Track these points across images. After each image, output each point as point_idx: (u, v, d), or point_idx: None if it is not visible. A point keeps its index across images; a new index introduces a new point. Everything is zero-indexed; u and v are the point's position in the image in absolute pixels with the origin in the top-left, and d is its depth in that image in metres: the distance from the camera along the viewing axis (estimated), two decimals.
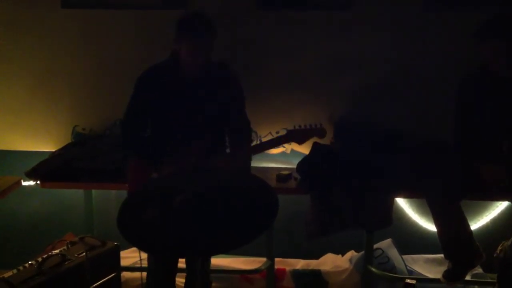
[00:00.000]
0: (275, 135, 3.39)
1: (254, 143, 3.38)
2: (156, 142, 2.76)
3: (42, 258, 2.42)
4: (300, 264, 3.42)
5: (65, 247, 2.58)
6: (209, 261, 2.83)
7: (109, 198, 3.34)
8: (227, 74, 2.79)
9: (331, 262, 3.41)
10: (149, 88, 2.72)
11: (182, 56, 2.65)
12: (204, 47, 2.63)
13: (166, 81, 2.70)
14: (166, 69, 2.72)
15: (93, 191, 3.33)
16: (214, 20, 2.66)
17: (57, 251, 2.52)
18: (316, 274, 3.28)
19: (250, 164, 2.91)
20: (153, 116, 2.77)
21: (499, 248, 2.85)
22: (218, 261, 3.28)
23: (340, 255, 3.47)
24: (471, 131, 2.84)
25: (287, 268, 3.32)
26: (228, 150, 2.87)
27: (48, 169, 3.12)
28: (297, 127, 2.81)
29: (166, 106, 2.72)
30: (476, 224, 3.30)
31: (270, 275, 3.16)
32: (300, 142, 2.82)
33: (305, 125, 2.82)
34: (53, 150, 3.35)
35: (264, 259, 3.18)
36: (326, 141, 3.21)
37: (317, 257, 3.48)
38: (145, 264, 3.12)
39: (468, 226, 2.80)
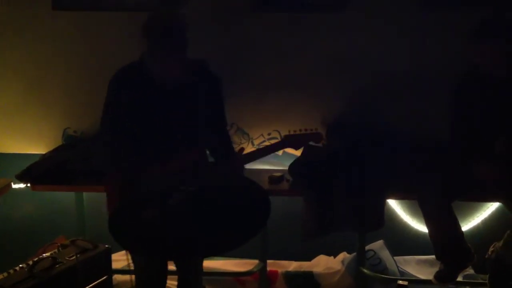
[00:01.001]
0: (267, 137, 3.40)
1: (245, 145, 3.39)
2: (137, 152, 2.50)
3: (33, 261, 2.40)
4: (292, 266, 3.42)
5: (56, 250, 2.57)
6: (201, 264, 2.80)
7: (101, 200, 3.31)
8: (206, 72, 2.57)
9: (323, 264, 3.41)
10: (125, 90, 2.48)
11: (155, 67, 2.39)
12: (177, 60, 2.36)
13: (142, 84, 2.45)
14: (139, 71, 2.46)
15: (84, 193, 3.31)
16: (184, 18, 2.42)
17: (48, 254, 2.51)
18: (308, 276, 3.28)
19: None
20: (131, 122, 2.49)
21: (491, 249, 2.86)
22: (210, 263, 3.28)
23: (332, 257, 3.47)
24: (467, 131, 2.85)
25: (280, 270, 3.32)
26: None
27: (39, 171, 3.10)
28: (291, 132, 2.75)
29: (145, 112, 2.48)
30: (467, 225, 3.31)
31: (262, 277, 3.17)
32: (296, 147, 2.79)
33: (301, 129, 2.76)
34: (44, 152, 3.33)
35: (257, 261, 3.18)
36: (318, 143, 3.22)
37: (309, 259, 3.48)
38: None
39: (460, 227, 2.81)
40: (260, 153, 2.75)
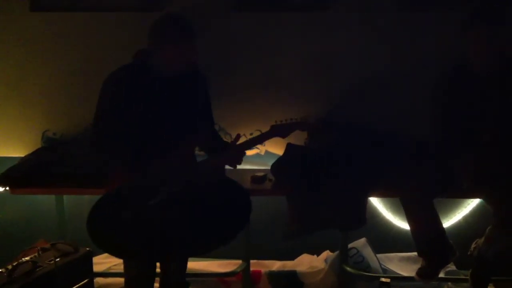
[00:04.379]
0: (249, 137, 3.39)
1: None
2: (136, 148, 2.55)
3: (12, 266, 2.37)
4: (276, 265, 3.42)
5: (36, 254, 2.54)
6: (185, 263, 2.79)
7: (82, 203, 3.29)
8: (199, 73, 2.72)
9: (306, 263, 3.42)
10: (123, 90, 2.55)
11: (165, 61, 2.53)
12: (194, 53, 2.56)
13: (140, 83, 2.56)
14: (137, 71, 2.58)
15: (65, 196, 3.28)
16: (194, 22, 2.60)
17: (28, 258, 2.48)
18: (292, 275, 3.28)
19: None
20: (130, 120, 2.55)
21: (473, 245, 2.89)
22: (193, 264, 3.26)
23: (315, 256, 3.48)
24: (447, 128, 2.87)
25: (263, 270, 3.32)
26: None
27: (18, 174, 3.05)
28: (278, 122, 2.79)
29: (144, 110, 2.56)
30: (449, 221, 3.34)
31: (246, 277, 3.16)
32: (284, 136, 2.81)
33: (287, 119, 2.80)
34: (23, 155, 3.29)
35: (240, 262, 3.17)
36: (300, 141, 3.23)
37: (292, 258, 3.49)
38: (119, 269, 3.08)
39: (441, 224, 2.83)
40: (250, 143, 2.77)
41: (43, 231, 3.36)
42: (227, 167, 2.80)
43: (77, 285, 2.55)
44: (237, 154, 2.66)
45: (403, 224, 3.32)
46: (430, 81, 2.93)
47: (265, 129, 3.32)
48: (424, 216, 2.80)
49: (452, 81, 2.86)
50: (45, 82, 3.36)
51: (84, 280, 2.58)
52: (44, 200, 3.40)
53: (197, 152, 2.98)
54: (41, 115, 3.40)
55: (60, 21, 3.29)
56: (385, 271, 3.28)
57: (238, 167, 3.10)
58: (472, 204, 3.34)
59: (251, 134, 3.38)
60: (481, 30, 2.71)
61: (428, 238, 2.81)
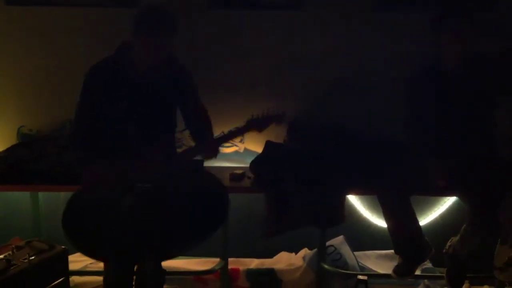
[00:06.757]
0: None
1: None
2: (116, 142, 2.56)
3: None
4: (254, 263, 3.42)
5: (10, 252, 2.51)
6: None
7: (57, 200, 3.25)
8: (178, 65, 2.71)
9: (285, 261, 3.42)
10: (103, 83, 2.55)
11: (140, 53, 2.53)
12: (164, 46, 2.53)
13: (121, 76, 2.56)
14: (117, 64, 2.58)
15: (40, 193, 3.23)
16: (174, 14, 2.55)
17: (1, 256, 2.45)
18: (270, 273, 3.28)
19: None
20: (109, 114, 2.57)
21: (448, 243, 2.92)
22: (171, 262, 3.22)
23: (293, 253, 3.49)
24: (421, 127, 2.89)
25: (241, 268, 3.32)
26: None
27: None
28: (254, 116, 2.73)
29: (124, 103, 2.56)
30: (425, 219, 3.37)
31: (224, 275, 3.15)
32: (260, 129, 2.75)
33: (263, 111, 2.74)
34: None
35: (218, 260, 3.17)
36: (279, 139, 3.23)
37: (271, 256, 3.49)
38: (95, 267, 3.05)
39: (417, 222, 2.86)
40: (226, 137, 2.73)
41: (18, 229, 3.31)
42: (206, 163, 2.80)
43: (52, 284, 2.52)
44: (212, 146, 2.63)
45: (380, 222, 3.35)
46: (405, 82, 2.96)
47: None
48: (401, 214, 2.82)
49: (423, 81, 2.89)
50: (21, 77, 3.31)
51: (59, 279, 2.56)
52: (19, 198, 3.35)
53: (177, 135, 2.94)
54: (17, 111, 3.35)
55: (37, 15, 3.25)
56: (362, 268, 3.30)
57: (217, 164, 3.11)
58: (448, 202, 3.38)
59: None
60: (451, 29, 2.74)
61: (405, 236, 2.84)
